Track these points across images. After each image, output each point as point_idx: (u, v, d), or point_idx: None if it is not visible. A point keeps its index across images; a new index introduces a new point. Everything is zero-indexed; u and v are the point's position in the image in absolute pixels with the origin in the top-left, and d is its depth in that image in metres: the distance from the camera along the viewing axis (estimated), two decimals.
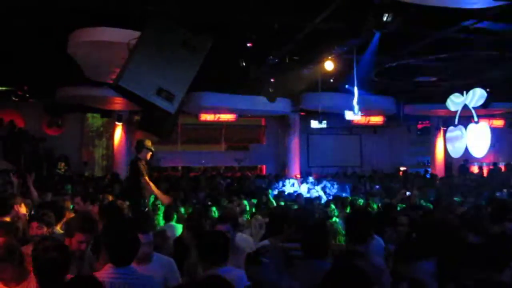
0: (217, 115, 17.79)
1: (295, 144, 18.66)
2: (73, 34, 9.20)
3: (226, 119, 18.31)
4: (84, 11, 8.30)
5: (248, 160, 20.62)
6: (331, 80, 12.55)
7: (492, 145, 16.80)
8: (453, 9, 6.85)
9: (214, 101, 15.81)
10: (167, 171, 19.66)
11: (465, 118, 13.03)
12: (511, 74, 13.01)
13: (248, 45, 10.40)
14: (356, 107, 10.37)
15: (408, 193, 7.93)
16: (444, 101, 13.29)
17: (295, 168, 18.50)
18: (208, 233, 4.09)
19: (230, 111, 17.43)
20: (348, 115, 12.05)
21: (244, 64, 11.00)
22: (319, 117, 13.96)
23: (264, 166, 21.13)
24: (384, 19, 7.56)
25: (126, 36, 7.51)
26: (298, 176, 17.65)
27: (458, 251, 3.31)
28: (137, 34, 7.02)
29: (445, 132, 15.28)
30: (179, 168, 20.47)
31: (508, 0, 5.05)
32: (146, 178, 6.73)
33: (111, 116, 17.28)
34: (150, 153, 7.15)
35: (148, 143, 7.13)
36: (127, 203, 5.90)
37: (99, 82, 12.37)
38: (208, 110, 17.26)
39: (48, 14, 8.33)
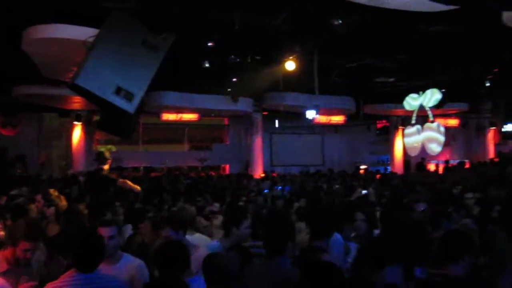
0: (180, 115, 17.63)
1: (258, 144, 18.73)
2: (27, 31, 8.89)
3: (189, 119, 18.17)
4: (40, 7, 8.06)
5: (211, 160, 20.55)
6: (297, 78, 12.63)
7: (447, 144, 17.46)
8: (409, 12, 7.05)
9: (176, 101, 15.67)
10: (128, 171, 19.32)
11: (422, 117, 13.42)
12: (465, 75, 13.54)
13: (210, 44, 10.38)
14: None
15: (364, 191, 8.09)
16: (402, 101, 13.65)
17: (258, 167, 18.58)
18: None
19: (192, 110, 17.31)
20: (309, 114, 12.22)
21: (205, 63, 10.97)
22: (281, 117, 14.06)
23: (227, 166, 21.11)
24: (343, 20, 7.74)
25: (83, 33, 7.31)
26: (263, 175, 17.74)
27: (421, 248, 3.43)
28: (95, 31, 6.86)
29: (403, 131, 15.71)
30: (141, 168, 20.15)
31: (458, 4, 5.24)
32: (120, 179, 6.84)
33: (70, 116, 16.83)
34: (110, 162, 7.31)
35: (107, 154, 7.22)
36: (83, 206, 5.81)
37: (56, 81, 12.02)
38: (170, 110, 17.09)
39: (2, 10, 8.04)
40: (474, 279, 2.84)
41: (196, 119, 18.16)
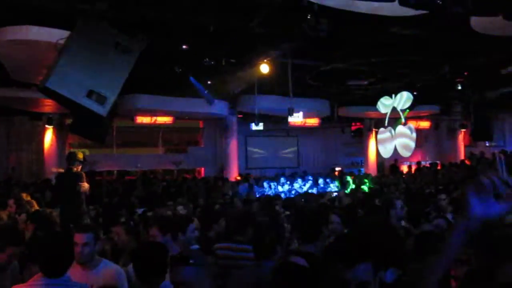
0: (154, 118, 17.48)
1: (233, 146, 18.70)
2: None
3: (163, 122, 18.03)
4: (9, 8, 7.87)
5: (186, 163, 20.42)
6: (272, 81, 12.67)
7: (419, 145, 17.79)
8: (380, 16, 7.17)
9: (150, 103, 15.51)
10: (102, 175, 19.03)
11: (395, 119, 13.65)
12: (436, 78, 13.83)
13: (184, 47, 10.33)
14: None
15: (335, 194, 8.17)
16: (375, 103, 13.85)
17: (234, 170, 18.55)
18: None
19: (167, 113, 17.18)
20: (293, 118, 12.28)
21: (180, 66, 10.91)
22: (256, 119, 14.09)
23: (202, 169, 21.01)
24: (317, 24, 7.80)
25: (54, 35, 7.21)
26: (238, 178, 17.72)
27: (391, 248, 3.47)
28: (66, 33, 6.75)
29: (376, 133, 15.93)
30: (115, 172, 19.88)
31: (427, 9, 5.36)
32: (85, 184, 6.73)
33: (41, 119, 16.47)
34: (81, 165, 7.19)
35: (80, 155, 7.12)
36: (56, 211, 5.71)
37: (26, 83, 11.75)
38: (144, 113, 16.91)
39: None
40: (446, 279, 2.89)
41: (171, 122, 18.04)
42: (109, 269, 3.69)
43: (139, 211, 8.64)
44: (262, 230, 3.43)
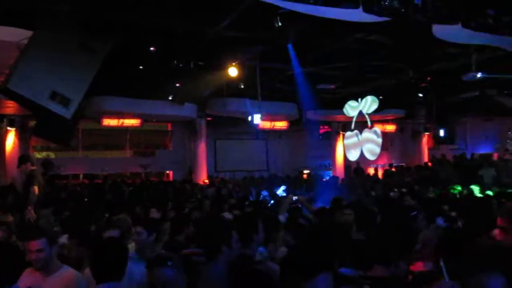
0: (121, 120, 17.20)
1: (202, 149, 18.63)
2: None
3: (131, 124, 17.77)
4: None
5: (154, 166, 20.21)
6: (242, 86, 12.71)
7: (385, 148, 18.17)
8: (346, 22, 7.31)
9: (117, 106, 15.28)
10: (68, 179, 18.62)
11: (361, 123, 13.90)
12: (401, 83, 14.18)
13: (152, 49, 10.25)
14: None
15: (294, 197, 8.24)
16: (342, 107, 14.07)
17: (202, 173, 18.48)
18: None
19: (134, 116, 16.95)
20: (255, 119, 12.35)
21: (147, 68, 10.82)
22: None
23: (171, 172, 20.83)
24: (284, 28, 7.88)
25: (16, 35, 7.02)
26: (207, 181, 17.66)
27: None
28: (29, 33, 6.60)
29: (343, 136, 16.17)
30: (81, 175, 19.47)
31: (390, 16, 5.51)
32: (35, 187, 6.45)
33: (2, 121, 15.96)
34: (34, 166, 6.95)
35: (32, 157, 6.91)
36: (11, 218, 5.54)
37: None
38: (111, 115, 16.63)
39: None
40: (402, 280, 2.98)
41: (139, 124, 17.80)
42: (69, 274, 3.61)
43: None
44: (206, 231, 3.43)
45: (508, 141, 21.83)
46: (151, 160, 20.16)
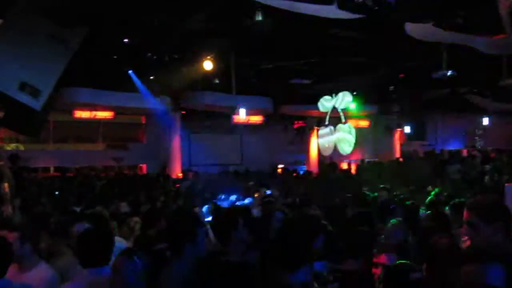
0: (93, 112, 16.89)
1: (176, 143, 18.48)
2: None
3: (103, 117, 17.47)
4: None
5: (127, 159, 19.95)
6: (217, 81, 12.68)
7: (358, 144, 18.41)
8: (321, 18, 7.37)
9: (89, 98, 14.99)
10: (38, 172, 18.21)
11: (336, 118, 14.05)
12: (374, 79, 14.40)
13: (125, 40, 10.12)
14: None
15: (268, 191, 8.31)
16: (317, 102, 14.21)
17: (177, 167, 18.36)
18: None
19: (107, 108, 16.67)
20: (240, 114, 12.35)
21: (121, 59, 10.68)
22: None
23: (144, 165, 20.62)
24: (260, 22, 7.91)
25: None
26: (180, 175, 17.56)
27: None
28: None
29: (318, 131, 16.31)
30: (51, 168, 19.06)
31: (363, 13, 5.59)
32: (5, 185, 6.29)
33: None
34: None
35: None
36: None
37: None
38: (83, 107, 16.30)
39: None
40: (370, 272, 3.05)
41: (111, 117, 17.51)
42: (41, 273, 3.54)
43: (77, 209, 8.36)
44: (172, 227, 3.41)
45: (476, 138, 22.45)
46: (124, 153, 19.88)
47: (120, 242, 4.61)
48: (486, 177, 13.78)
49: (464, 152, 20.09)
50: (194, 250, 3.09)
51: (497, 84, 11.83)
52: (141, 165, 20.75)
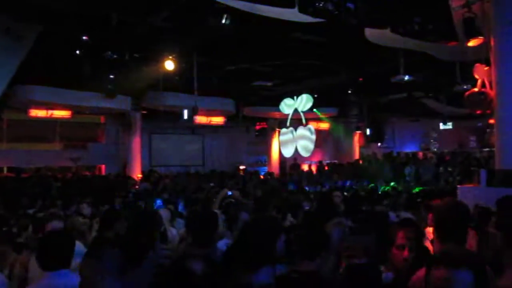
0: (50, 111, 16.39)
1: (136, 143, 18.20)
2: None
3: (61, 116, 16.98)
4: None
5: (86, 160, 19.46)
6: (176, 79, 12.54)
7: (319, 146, 18.69)
8: (283, 20, 7.44)
9: (45, 96, 14.54)
10: None
11: (297, 120, 14.20)
12: (335, 82, 14.65)
13: (84, 38, 9.87)
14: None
15: (229, 192, 8.32)
16: (279, 104, 14.32)
17: (137, 168, 18.08)
18: None
19: (64, 107, 16.21)
20: (186, 115, 12.30)
21: (79, 57, 10.39)
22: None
23: (103, 166, 20.18)
24: (223, 23, 7.90)
25: None
26: (140, 176, 17.30)
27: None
28: None
29: (279, 133, 16.44)
30: (5, 169, 18.35)
31: (324, 18, 5.69)
32: None
33: None
34: None
35: None
36: None
37: None
38: (39, 105, 15.80)
39: None
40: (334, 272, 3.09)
41: (69, 116, 17.06)
42: None
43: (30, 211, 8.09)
44: (132, 232, 3.35)
45: (432, 141, 23.22)
46: (82, 154, 19.39)
47: (79, 246, 4.52)
48: (441, 180, 14.30)
49: (420, 155, 20.73)
50: (154, 255, 3.06)
51: (451, 90, 12.28)
52: (99, 165, 20.31)
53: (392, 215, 5.60)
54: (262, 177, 17.60)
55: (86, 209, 7.90)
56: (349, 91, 15.30)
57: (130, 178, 16.47)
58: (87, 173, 18.94)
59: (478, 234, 4.10)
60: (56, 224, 4.31)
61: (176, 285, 2.23)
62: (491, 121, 9.19)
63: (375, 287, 2.44)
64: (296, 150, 13.14)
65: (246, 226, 3.85)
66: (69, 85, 14.19)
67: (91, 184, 14.90)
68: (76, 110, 16.85)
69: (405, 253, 2.91)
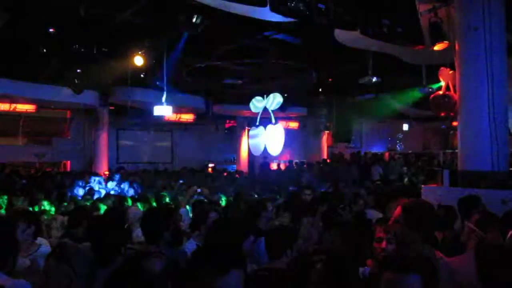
0: (13, 105, 15.92)
1: (103, 139, 17.85)
2: None
3: (25, 110, 16.51)
4: None
5: (50, 155, 18.97)
6: (142, 75, 12.41)
7: (288, 145, 18.79)
8: (254, 19, 7.45)
9: (8, 89, 14.03)
10: None
11: (267, 119, 14.22)
12: (304, 82, 14.78)
13: (50, 30, 9.62)
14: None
15: (198, 190, 8.31)
16: (249, 102, 14.28)
17: (103, 165, 17.74)
18: None
19: (28, 101, 15.75)
20: (157, 111, 12.15)
21: (45, 50, 10.13)
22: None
23: (68, 162, 19.72)
24: (194, 20, 7.85)
25: None
26: (107, 173, 16.98)
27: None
28: None
29: (248, 131, 16.44)
30: None
31: (295, 17, 5.73)
32: None
33: None
34: None
35: None
36: None
37: None
38: (1, 99, 15.30)
39: None
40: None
41: (33, 110, 16.59)
42: None
43: None
44: (102, 231, 3.28)
45: (398, 142, 23.76)
46: (47, 149, 18.90)
47: (45, 246, 4.39)
48: (406, 180, 14.63)
49: (386, 155, 21.17)
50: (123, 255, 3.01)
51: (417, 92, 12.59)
52: (65, 162, 19.84)
53: (369, 212, 5.75)
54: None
55: (48, 206, 7.75)
56: (320, 91, 15.48)
57: (96, 175, 16.16)
58: (51, 169, 18.45)
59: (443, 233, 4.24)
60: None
61: (128, 284, 2.19)
62: (455, 123, 9.47)
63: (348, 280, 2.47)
64: (265, 148, 13.13)
65: (214, 227, 3.84)
66: (34, 79, 13.79)
67: (54, 180, 14.53)
68: (41, 105, 16.39)
69: (383, 245, 3.12)
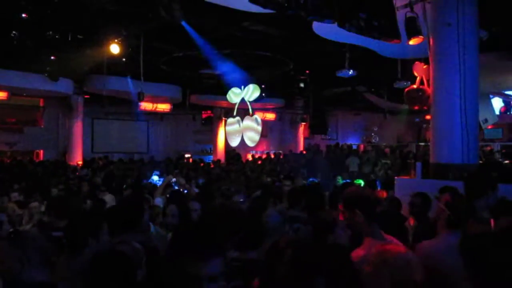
0: None
1: (77, 128, 17.60)
2: None
3: None
4: None
5: (22, 144, 18.58)
6: (122, 62, 12.21)
7: (264, 136, 18.87)
8: (233, 9, 7.42)
9: None
10: None
11: (244, 110, 14.22)
12: (282, 74, 14.83)
13: (23, 15, 9.38)
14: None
15: (173, 179, 8.27)
16: (226, 93, 14.25)
17: (77, 154, 17.48)
18: None
19: (0, 88, 15.35)
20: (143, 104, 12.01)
21: (17, 36, 9.87)
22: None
23: (41, 151, 19.34)
24: (172, 7, 7.76)
25: None
26: (80, 163, 16.74)
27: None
28: None
29: (225, 122, 16.41)
30: None
31: (273, 9, 5.73)
32: None
33: None
34: None
35: None
36: None
37: None
38: None
39: None
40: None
41: (5, 97, 16.15)
42: None
43: None
44: (75, 222, 3.27)
45: (373, 134, 24.11)
46: (19, 138, 18.49)
47: None
48: (381, 171, 14.90)
49: (361, 147, 21.47)
50: (97, 245, 3.01)
51: (392, 85, 12.78)
52: (37, 151, 19.46)
53: None
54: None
55: (17, 198, 7.65)
56: (298, 83, 15.56)
57: (69, 165, 15.92)
58: (23, 158, 18.07)
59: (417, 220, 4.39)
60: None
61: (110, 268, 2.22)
62: (428, 117, 9.66)
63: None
64: (242, 139, 13.15)
65: (205, 215, 3.85)
66: (6, 65, 13.44)
67: (25, 170, 14.26)
68: (13, 92, 15.98)
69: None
